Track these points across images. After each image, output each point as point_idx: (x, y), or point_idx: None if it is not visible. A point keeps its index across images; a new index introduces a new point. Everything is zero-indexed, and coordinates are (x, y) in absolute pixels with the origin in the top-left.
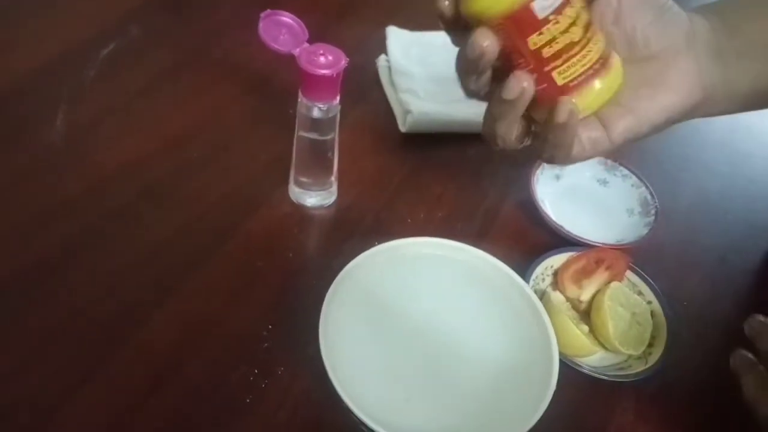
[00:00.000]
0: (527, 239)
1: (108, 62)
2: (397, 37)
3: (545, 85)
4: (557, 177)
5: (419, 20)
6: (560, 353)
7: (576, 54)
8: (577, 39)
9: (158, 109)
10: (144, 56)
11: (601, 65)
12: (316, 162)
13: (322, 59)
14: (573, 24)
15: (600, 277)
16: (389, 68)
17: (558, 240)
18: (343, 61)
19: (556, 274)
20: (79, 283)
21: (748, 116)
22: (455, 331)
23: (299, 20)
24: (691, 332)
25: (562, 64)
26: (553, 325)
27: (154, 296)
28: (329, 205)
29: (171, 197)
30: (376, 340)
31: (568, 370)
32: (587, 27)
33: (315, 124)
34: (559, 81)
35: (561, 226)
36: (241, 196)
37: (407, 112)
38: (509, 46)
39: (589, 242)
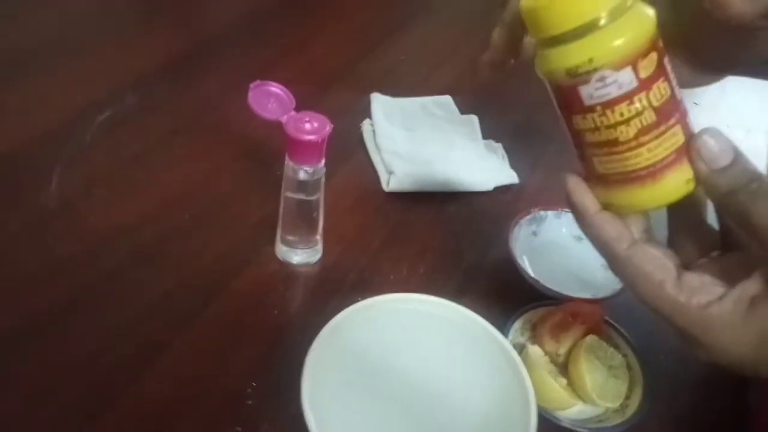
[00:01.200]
0: (506, 294)
1: (103, 128)
2: (380, 102)
3: (585, 163)
4: (534, 234)
5: (401, 88)
6: (539, 407)
7: (619, 153)
8: (624, 139)
9: (151, 174)
10: (138, 123)
11: (648, 174)
12: (302, 221)
13: (307, 126)
14: (624, 123)
15: (576, 330)
16: (373, 131)
17: (536, 294)
18: (328, 128)
19: (534, 328)
20: (71, 343)
21: None
22: (437, 386)
23: (286, 90)
24: (667, 385)
25: (602, 155)
26: (532, 378)
27: (144, 356)
28: (314, 263)
29: (162, 259)
30: (359, 396)
31: (547, 423)
32: (644, 131)
33: (301, 186)
34: (599, 170)
35: (538, 281)
36: (229, 255)
37: (390, 172)
38: (567, 113)
39: (565, 296)
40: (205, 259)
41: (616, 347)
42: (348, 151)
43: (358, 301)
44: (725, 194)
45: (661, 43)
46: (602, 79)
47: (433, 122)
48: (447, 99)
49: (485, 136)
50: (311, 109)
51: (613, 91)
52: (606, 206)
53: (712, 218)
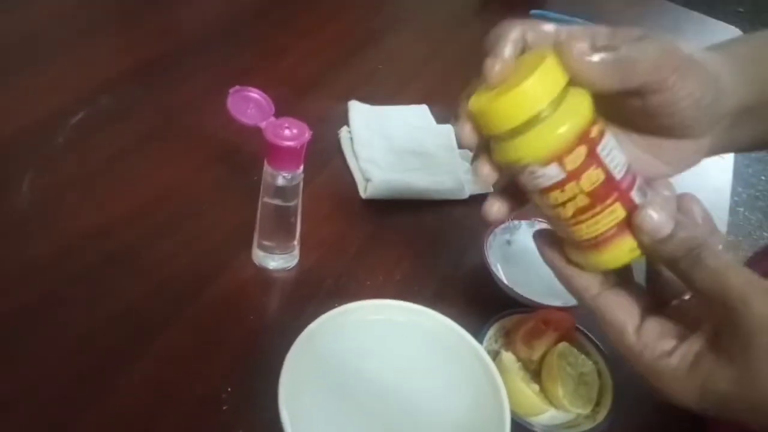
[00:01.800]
0: (481, 301)
1: (76, 131)
2: (358, 110)
3: (566, 234)
4: (508, 242)
5: (379, 96)
6: (512, 413)
7: (564, 227)
8: (564, 218)
9: (125, 178)
10: (114, 126)
11: (592, 245)
12: (280, 227)
13: (287, 132)
14: (561, 206)
15: (549, 337)
16: (351, 139)
17: (510, 302)
18: (307, 134)
19: (508, 335)
20: (43, 349)
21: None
22: (412, 392)
23: (266, 95)
24: (636, 391)
25: (554, 226)
26: (506, 385)
27: (117, 361)
28: (291, 268)
29: (137, 263)
30: (335, 402)
31: (521, 429)
32: (579, 212)
33: (279, 191)
34: (558, 234)
35: (512, 289)
36: (205, 260)
37: (367, 180)
38: (534, 195)
39: (538, 304)
40: (180, 264)
41: (587, 354)
42: (326, 158)
43: (334, 307)
44: (667, 262)
45: (595, 132)
46: (532, 172)
47: (410, 131)
48: (423, 108)
49: (461, 146)
50: (289, 115)
51: (544, 182)
52: (598, 268)
53: None
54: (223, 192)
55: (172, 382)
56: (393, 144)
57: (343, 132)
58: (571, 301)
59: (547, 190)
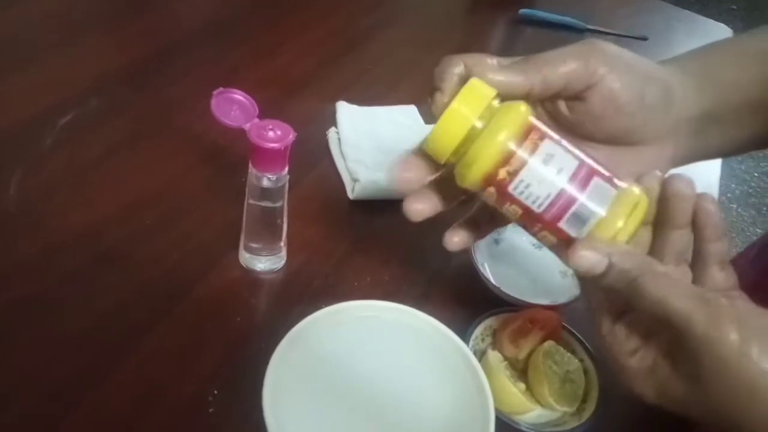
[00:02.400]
0: (469, 300)
1: (65, 131)
2: (345, 111)
3: (554, 239)
4: (496, 242)
5: (367, 96)
6: (498, 411)
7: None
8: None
9: (113, 178)
10: (101, 126)
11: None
12: (266, 228)
13: (271, 134)
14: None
15: (535, 336)
16: (339, 140)
17: (497, 301)
18: (291, 136)
19: (495, 334)
20: (30, 348)
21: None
22: (399, 392)
23: (250, 97)
24: (621, 389)
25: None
26: (492, 383)
27: (103, 362)
28: (278, 270)
29: (123, 263)
30: (322, 403)
31: (506, 428)
32: (526, 225)
33: (265, 193)
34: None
35: (499, 288)
36: (192, 261)
37: (355, 180)
38: (502, 207)
39: (525, 303)
40: (166, 265)
41: (573, 352)
42: (313, 158)
43: (322, 308)
44: (608, 291)
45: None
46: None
47: (398, 131)
48: (412, 109)
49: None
50: (276, 116)
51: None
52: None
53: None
54: (212, 192)
55: (158, 382)
56: (381, 144)
57: (331, 133)
58: (559, 300)
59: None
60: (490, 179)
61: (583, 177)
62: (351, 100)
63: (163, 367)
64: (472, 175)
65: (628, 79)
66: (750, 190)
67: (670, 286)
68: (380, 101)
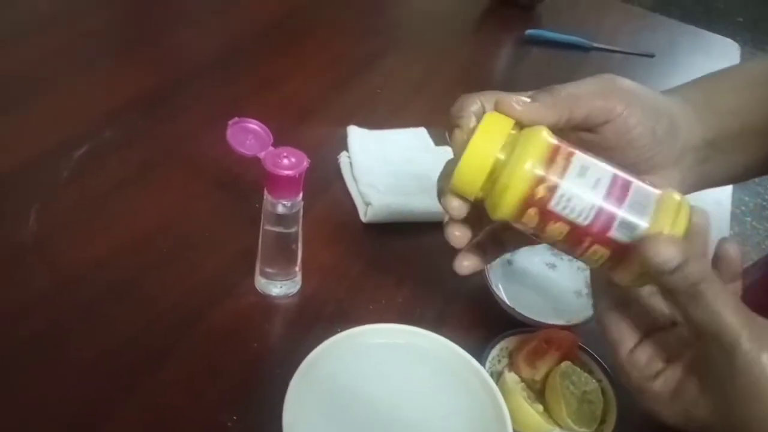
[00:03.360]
0: (483, 322)
1: (79, 163)
2: (357, 135)
3: (598, 255)
4: (509, 262)
5: (377, 119)
6: None
7: (580, 255)
8: (568, 246)
9: (129, 207)
10: (116, 157)
11: (609, 267)
12: (281, 253)
13: (285, 161)
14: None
15: (551, 357)
16: (350, 164)
17: (512, 322)
18: (305, 162)
19: (511, 355)
20: (44, 379)
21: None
22: (417, 415)
23: (264, 126)
24: (641, 410)
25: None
26: (509, 405)
27: (121, 390)
28: (293, 294)
29: (139, 292)
30: (339, 426)
31: None
32: (573, 244)
33: (279, 219)
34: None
35: (514, 309)
36: (208, 288)
37: (367, 203)
38: (542, 230)
39: (540, 323)
40: (181, 293)
41: (591, 372)
42: (326, 183)
43: (337, 332)
44: (668, 292)
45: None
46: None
47: (409, 154)
48: (422, 131)
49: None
50: (288, 142)
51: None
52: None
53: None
54: (225, 220)
55: (175, 411)
56: (392, 167)
57: (343, 157)
58: (574, 320)
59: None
60: (528, 202)
61: (622, 184)
62: (361, 124)
63: (180, 395)
64: (505, 205)
65: (642, 115)
66: (764, 203)
67: (727, 299)
68: (390, 124)
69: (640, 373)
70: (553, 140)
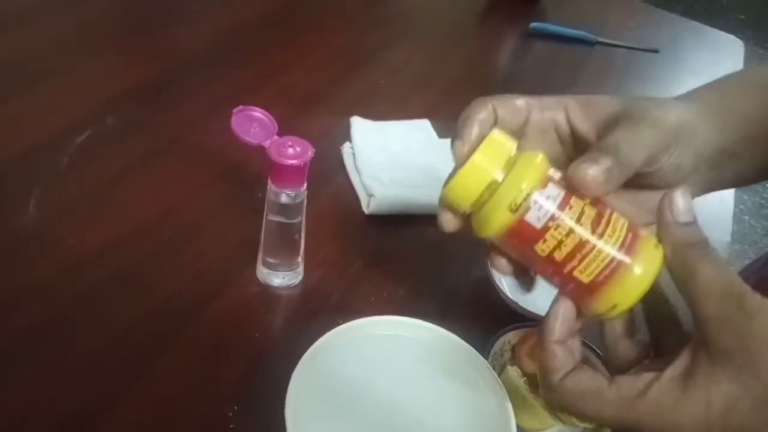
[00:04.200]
0: (487, 315)
1: (81, 150)
2: (360, 126)
3: (572, 285)
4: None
5: (381, 111)
6: (519, 428)
7: (591, 250)
8: (586, 237)
9: (131, 195)
10: (118, 144)
11: (627, 251)
12: (284, 244)
13: (290, 150)
14: (578, 221)
15: None
16: (353, 155)
17: (515, 316)
18: (310, 152)
19: (513, 349)
20: (44, 370)
21: None
22: (418, 408)
23: (269, 114)
24: None
25: (579, 264)
26: (511, 399)
27: (121, 380)
28: (295, 285)
29: (141, 281)
30: (342, 419)
31: None
32: (598, 218)
33: (283, 209)
34: (585, 279)
35: (517, 303)
36: (209, 277)
37: (370, 195)
38: (524, 256)
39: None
40: (183, 282)
41: (593, 367)
42: (328, 174)
43: (339, 323)
44: (681, 245)
45: (533, 213)
46: (536, 201)
47: (412, 145)
48: (425, 123)
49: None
50: (291, 132)
51: (550, 205)
52: (610, 311)
53: (644, 327)
54: (227, 209)
55: (177, 400)
56: (395, 159)
57: (346, 148)
58: None
59: (558, 214)
60: (516, 223)
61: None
62: (364, 115)
63: (181, 385)
64: (491, 226)
65: (678, 155)
66: (762, 201)
67: (727, 264)
68: (393, 115)
69: (638, 389)
70: (549, 171)
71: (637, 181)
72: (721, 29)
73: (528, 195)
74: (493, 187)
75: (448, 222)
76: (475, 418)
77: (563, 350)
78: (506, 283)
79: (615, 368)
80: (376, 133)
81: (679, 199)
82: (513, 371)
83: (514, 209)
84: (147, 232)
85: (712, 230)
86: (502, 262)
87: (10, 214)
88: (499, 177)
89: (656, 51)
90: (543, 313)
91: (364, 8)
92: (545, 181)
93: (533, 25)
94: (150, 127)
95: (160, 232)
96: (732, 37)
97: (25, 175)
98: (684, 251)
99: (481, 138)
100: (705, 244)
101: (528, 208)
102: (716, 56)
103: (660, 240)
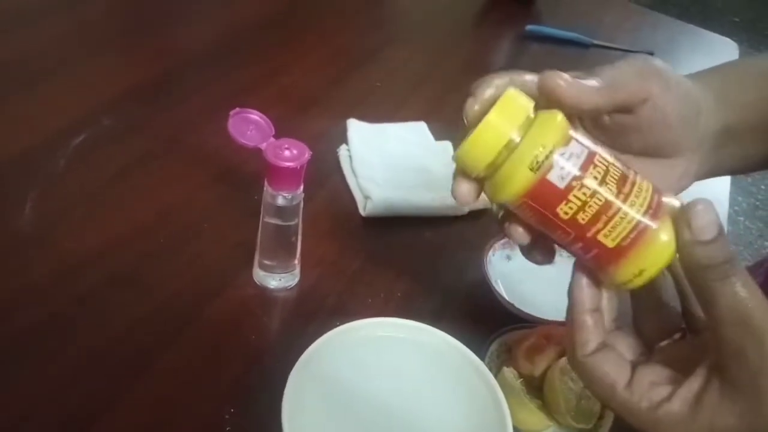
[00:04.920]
0: (483, 317)
1: (78, 152)
2: (356, 128)
3: (596, 250)
4: (509, 258)
5: (376, 113)
6: (516, 428)
7: (617, 212)
8: (611, 197)
9: (128, 197)
10: (113, 147)
11: (653, 215)
12: (281, 246)
13: (287, 153)
14: (603, 182)
15: (550, 352)
16: (350, 157)
17: (511, 318)
18: (307, 154)
19: (509, 350)
20: (42, 371)
21: None
22: (414, 408)
23: (266, 117)
24: None
25: (604, 227)
26: (508, 401)
27: (118, 383)
28: (292, 287)
29: (137, 283)
30: (338, 421)
31: None
32: (623, 179)
33: (279, 211)
34: (610, 244)
35: (513, 305)
36: (206, 280)
37: (367, 197)
38: (544, 221)
39: (539, 319)
40: (180, 284)
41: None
42: (325, 176)
43: (336, 325)
44: (699, 268)
45: (554, 175)
46: (558, 160)
47: (408, 148)
48: (422, 125)
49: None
50: (288, 134)
51: (574, 164)
52: (636, 277)
53: (675, 300)
54: (224, 211)
55: (173, 402)
56: (392, 161)
57: (342, 150)
58: None
59: (582, 173)
60: (534, 190)
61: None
62: (361, 118)
63: (178, 387)
64: (511, 188)
65: (676, 96)
66: (757, 203)
67: (755, 288)
68: (390, 118)
69: (650, 402)
70: (570, 130)
71: (645, 142)
72: (716, 32)
73: (551, 152)
74: (511, 146)
75: (464, 192)
76: (471, 420)
77: (593, 321)
78: (502, 285)
79: (645, 338)
80: (373, 136)
81: (700, 213)
82: (509, 372)
83: (536, 168)
84: (145, 232)
85: None
86: (519, 230)
87: (10, 214)
88: (517, 137)
89: (651, 53)
90: (539, 315)
91: (361, 10)
92: (567, 139)
93: (529, 27)
94: (149, 127)
95: (156, 234)
96: (727, 39)
97: (25, 175)
98: (703, 275)
99: (495, 99)
100: (727, 265)
101: (550, 167)
102: (711, 59)
103: (679, 260)
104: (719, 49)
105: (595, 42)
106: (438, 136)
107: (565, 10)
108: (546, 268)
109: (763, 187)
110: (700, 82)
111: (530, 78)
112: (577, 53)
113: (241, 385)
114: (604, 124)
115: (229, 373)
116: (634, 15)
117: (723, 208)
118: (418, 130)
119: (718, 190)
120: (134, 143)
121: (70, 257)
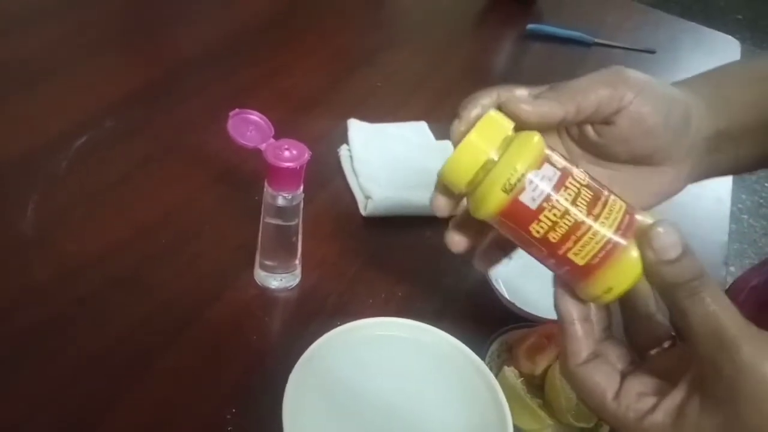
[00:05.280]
0: (483, 317)
1: (80, 154)
2: (357, 128)
3: (568, 267)
4: (509, 257)
5: (377, 113)
6: (516, 428)
7: (586, 231)
8: (582, 218)
9: (129, 199)
10: (116, 148)
11: (623, 234)
12: (281, 246)
13: (286, 153)
14: (574, 203)
15: (551, 352)
16: (350, 157)
17: (512, 317)
18: (306, 155)
19: (510, 350)
20: (43, 373)
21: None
22: (415, 408)
23: (265, 118)
24: None
25: (574, 245)
26: (509, 400)
27: (121, 382)
28: (293, 288)
29: (139, 284)
30: (339, 421)
31: None
32: (595, 199)
33: (280, 212)
34: (580, 262)
35: (514, 304)
36: (207, 280)
37: (368, 197)
38: (519, 237)
39: (540, 319)
40: (181, 285)
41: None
42: (326, 176)
43: (337, 325)
44: (667, 286)
45: (528, 193)
46: (531, 181)
47: (409, 148)
48: (422, 125)
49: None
50: (289, 134)
51: (546, 185)
52: (605, 294)
53: (664, 309)
54: (225, 212)
55: (175, 403)
56: (392, 161)
57: (343, 150)
58: None
59: (553, 195)
60: (511, 203)
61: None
62: (361, 118)
63: (179, 388)
64: (486, 207)
65: (654, 102)
66: (761, 201)
67: (726, 303)
68: (390, 118)
69: (636, 412)
70: (546, 150)
71: (630, 151)
72: (718, 30)
73: (523, 175)
74: (488, 167)
75: (441, 206)
76: (472, 419)
77: (584, 331)
78: (503, 284)
79: (636, 347)
80: (374, 136)
81: (660, 234)
82: (510, 372)
83: (509, 190)
84: (145, 235)
85: (708, 229)
86: (455, 238)
87: (11, 216)
88: (495, 156)
89: (653, 52)
90: (540, 314)
91: (361, 11)
92: (541, 161)
93: (530, 26)
94: (148, 130)
95: (157, 235)
96: (729, 37)
97: (25, 177)
98: (672, 293)
99: (478, 119)
100: (696, 282)
101: (523, 189)
102: (713, 57)
103: (647, 279)
104: (722, 47)
105: (597, 40)
106: (439, 135)
107: (566, 9)
108: (547, 269)
109: (766, 185)
110: (688, 88)
111: (520, 93)
112: (578, 52)
113: (242, 386)
114: (589, 136)
115: (230, 373)
116: (635, 13)
117: (725, 206)
118: (419, 129)
119: (719, 188)
120: (134, 145)
121: (70, 258)
